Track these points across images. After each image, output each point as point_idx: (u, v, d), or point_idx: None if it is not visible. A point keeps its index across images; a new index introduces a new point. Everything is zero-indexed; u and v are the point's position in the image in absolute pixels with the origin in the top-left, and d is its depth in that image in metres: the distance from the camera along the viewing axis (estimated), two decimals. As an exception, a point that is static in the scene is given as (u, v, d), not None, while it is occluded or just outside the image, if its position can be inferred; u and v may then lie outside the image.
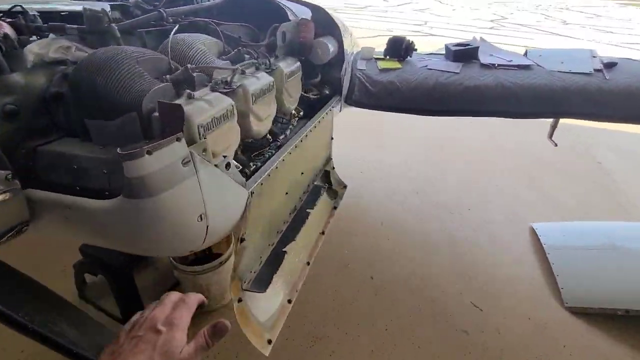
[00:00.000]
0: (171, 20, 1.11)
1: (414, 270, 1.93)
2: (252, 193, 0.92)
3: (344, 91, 1.71)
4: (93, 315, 1.26)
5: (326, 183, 1.70)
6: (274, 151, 1.15)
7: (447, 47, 1.73)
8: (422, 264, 1.96)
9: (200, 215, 0.73)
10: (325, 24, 1.65)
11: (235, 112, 0.87)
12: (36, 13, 1.07)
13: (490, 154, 3.16)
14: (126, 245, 0.79)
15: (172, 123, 0.68)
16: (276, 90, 1.15)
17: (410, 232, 2.21)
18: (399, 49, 1.74)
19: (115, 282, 1.48)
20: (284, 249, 1.21)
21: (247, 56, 1.12)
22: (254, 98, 0.97)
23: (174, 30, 0.99)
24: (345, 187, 1.77)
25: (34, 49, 0.85)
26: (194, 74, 0.80)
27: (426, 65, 1.66)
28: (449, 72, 1.58)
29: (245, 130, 1.00)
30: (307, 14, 1.54)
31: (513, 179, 2.78)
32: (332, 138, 1.72)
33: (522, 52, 1.75)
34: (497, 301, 1.74)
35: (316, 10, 1.66)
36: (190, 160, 0.68)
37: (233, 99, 0.90)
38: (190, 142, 0.70)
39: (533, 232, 2.19)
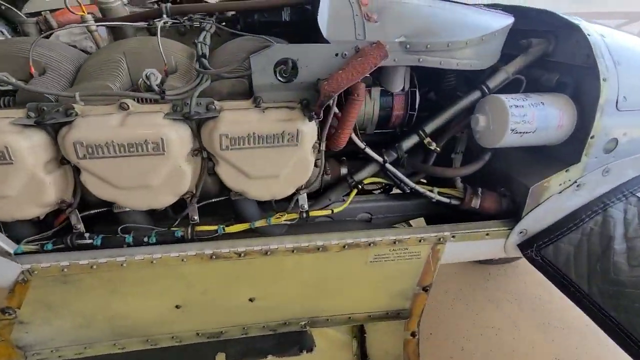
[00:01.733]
0: (167, 18, 0.93)
1: None
2: (31, 271, 0.74)
3: (529, 224, 0.85)
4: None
5: (360, 350, 1.16)
6: (151, 239, 0.93)
7: None
8: None
9: None
10: (569, 66, 0.78)
11: (20, 158, 0.71)
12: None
13: None
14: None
15: None
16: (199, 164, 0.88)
17: None
18: None
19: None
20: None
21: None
22: (89, 151, 0.67)
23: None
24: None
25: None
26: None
27: None
28: None
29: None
30: (498, 24, 0.80)
31: None
32: (424, 289, 0.98)
33: None
34: None
35: (565, 29, 0.79)
36: None
37: (60, 141, 0.72)
38: None
39: None
